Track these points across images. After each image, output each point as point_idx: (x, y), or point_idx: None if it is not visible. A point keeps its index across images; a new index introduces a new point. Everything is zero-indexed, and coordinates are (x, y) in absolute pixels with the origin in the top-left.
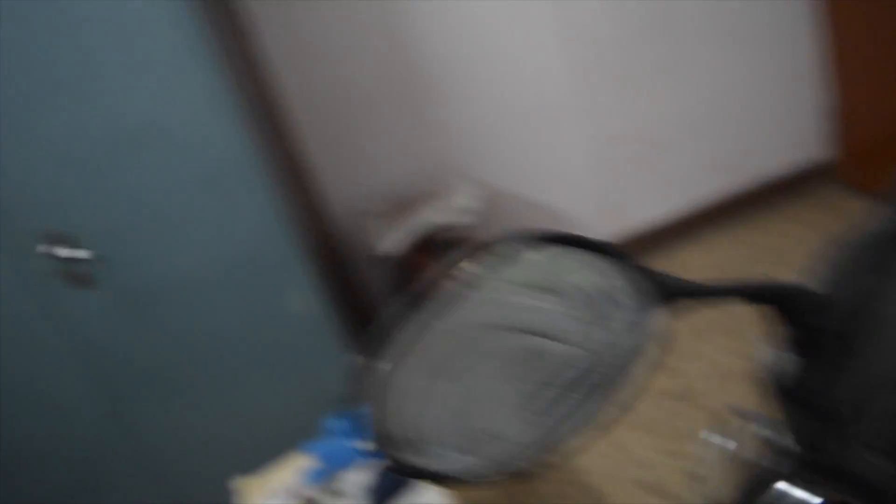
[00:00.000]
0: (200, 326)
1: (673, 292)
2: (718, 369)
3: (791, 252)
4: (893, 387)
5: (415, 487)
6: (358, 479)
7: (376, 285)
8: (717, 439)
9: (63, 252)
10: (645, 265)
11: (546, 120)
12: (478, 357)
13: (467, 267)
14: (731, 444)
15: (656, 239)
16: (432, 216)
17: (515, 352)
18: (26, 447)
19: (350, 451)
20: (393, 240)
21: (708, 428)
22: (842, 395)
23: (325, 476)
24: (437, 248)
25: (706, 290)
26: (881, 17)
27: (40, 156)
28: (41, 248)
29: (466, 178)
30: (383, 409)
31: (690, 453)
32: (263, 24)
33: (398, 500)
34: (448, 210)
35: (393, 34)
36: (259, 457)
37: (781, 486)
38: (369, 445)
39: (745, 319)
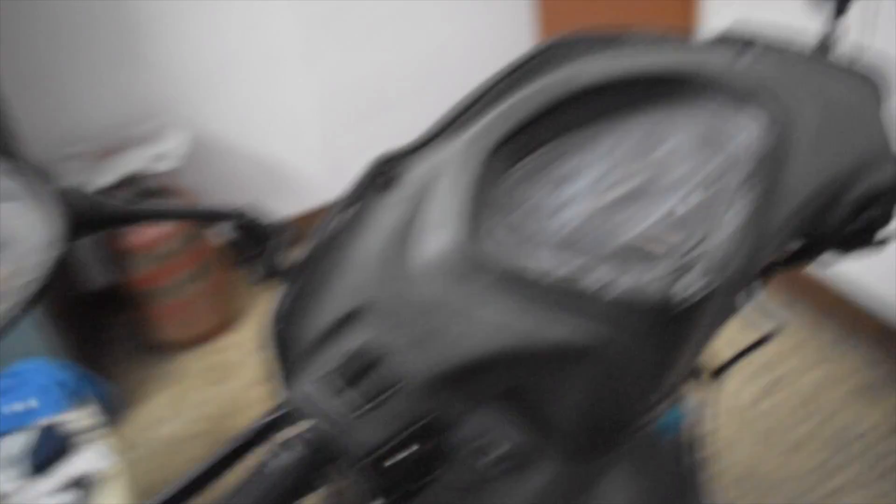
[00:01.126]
0: None
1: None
2: None
3: None
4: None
5: (76, 452)
6: (14, 445)
7: None
8: None
9: None
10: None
11: (270, 70)
12: None
13: None
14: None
15: None
16: (133, 162)
17: None
18: None
19: (7, 414)
20: (93, 186)
21: None
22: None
23: None
24: (137, 194)
25: (140, 212)
26: None
27: None
28: None
29: (176, 123)
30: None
31: None
32: None
33: (58, 466)
34: (151, 156)
35: None
36: None
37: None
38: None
39: None
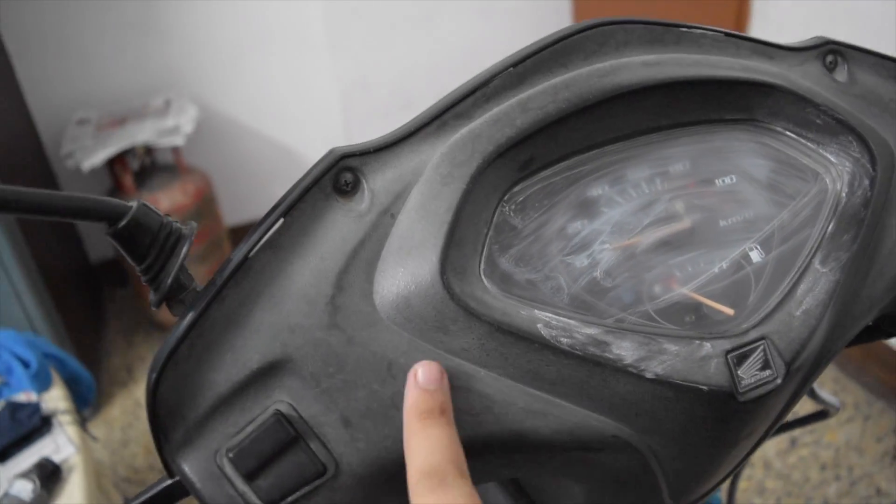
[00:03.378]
0: None
1: None
2: None
3: None
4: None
5: (45, 436)
6: None
7: None
8: None
9: None
10: None
11: (293, 55)
12: None
13: None
14: None
15: None
16: (140, 133)
17: None
18: None
19: None
20: (99, 154)
21: None
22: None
23: None
24: (139, 167)
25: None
26: None
27: None
28: None
29: (188, 98)
30: None
31: None
32: None
33: (22, 450)
34: (159, 129)
35: None
36: None
37: None
38: None
39: None
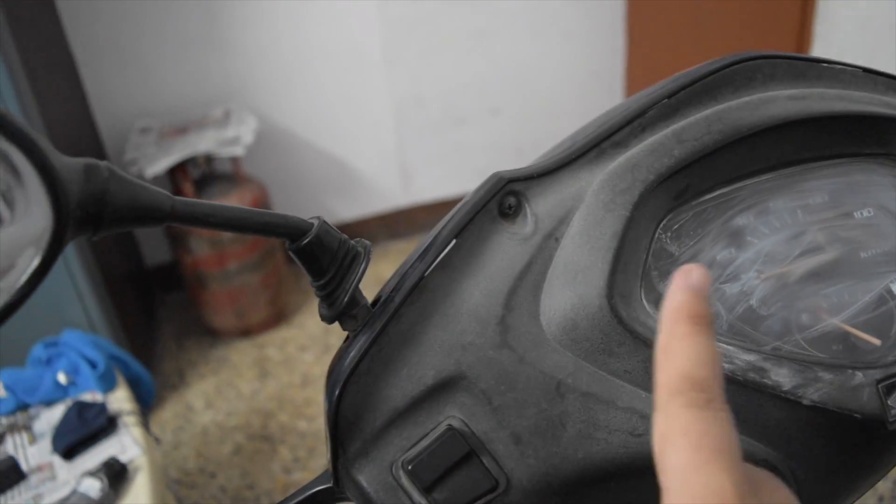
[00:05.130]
0: None
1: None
2: None
3: None
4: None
5: (111, 436)
6: (53, 418)
7: None
8: None
9: None
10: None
11: (348, 69)
12: None
13: None
14: None
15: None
16: (201, 143)
17: None
18: None
19: (49, 384)
20: (161, 162)
21: None
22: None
23: (14, 408)
24: (200, 175)
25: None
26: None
27: None
28: None
29: (247, 109)
30: None
31: None
32: None
33: (89, 448)
34: (219, 139)
35: None
36: None
37: None
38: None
39: None
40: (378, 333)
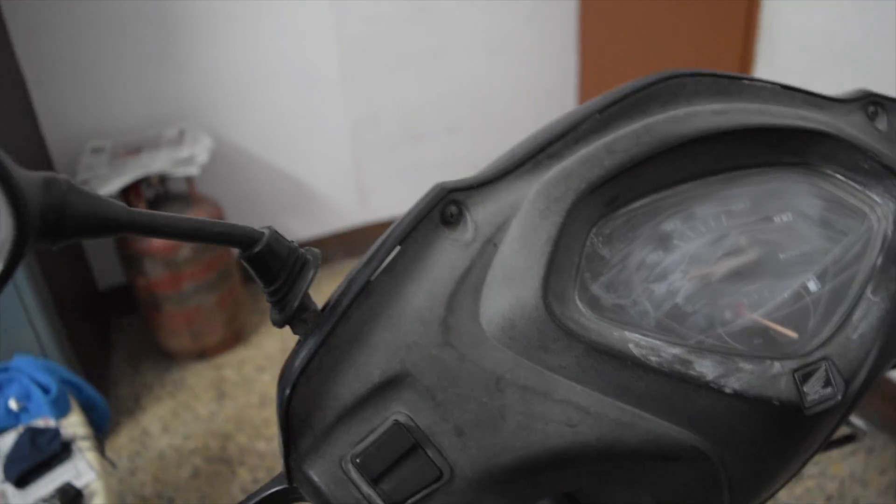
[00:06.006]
0: None
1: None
2: None
3: None
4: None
5: (65, 462)
6: (4, 445)
7: None
8: None
9: None
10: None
11: (305, 87)
12: None
13: None
14: None
15: None
16: (155, 163)
17: None
18: None
19: (0, 411)
20: (114, 182)
21: None
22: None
23: None
24: (154, 195)
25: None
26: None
27: None
28: None
29: (202, 129)
30: None
31: None
32: None
33: (43, 475)
34: (174, 159)
35: None
36: None
37: None
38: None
39: None
40: (327, 335)
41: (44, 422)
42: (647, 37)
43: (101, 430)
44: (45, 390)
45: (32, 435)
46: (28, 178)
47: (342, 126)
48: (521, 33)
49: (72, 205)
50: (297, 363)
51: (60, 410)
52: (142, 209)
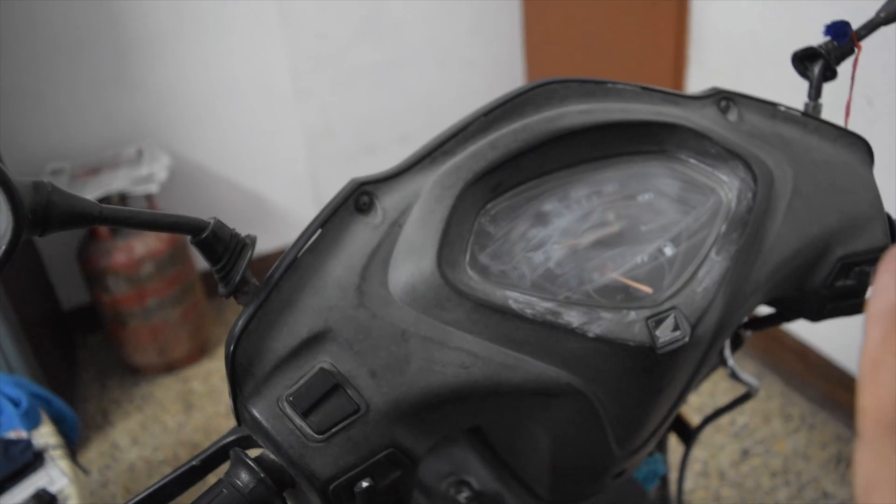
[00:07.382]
0: None
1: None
2: None
3: None
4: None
5: (38, 470)
6: None
7: (53, 249)
8: None
9: None
10: None
11: (259, 104)
12: None
13: None
14: None
15: None
16: (114, 182)
17: None
18: None
19: None
20: None
21: None
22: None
23: None
24: None
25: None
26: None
27: None
28: None
29: (160, 147)
30: None
31: None
32: None
33: (17, 483)
34: (132, 178)
35: None
36: None
37: None
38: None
39: None
40: (263, 301)
41: (15, 434)
42: (587, 44)
43: (72, 441)
44: (16, 403)
45: (5, 446)
46: (21, 181)
47: (297, 140)
48: (467, 44)
49: (55, 203)
50: (240, 324)
51: (31, 422)
52: (110, 205)
